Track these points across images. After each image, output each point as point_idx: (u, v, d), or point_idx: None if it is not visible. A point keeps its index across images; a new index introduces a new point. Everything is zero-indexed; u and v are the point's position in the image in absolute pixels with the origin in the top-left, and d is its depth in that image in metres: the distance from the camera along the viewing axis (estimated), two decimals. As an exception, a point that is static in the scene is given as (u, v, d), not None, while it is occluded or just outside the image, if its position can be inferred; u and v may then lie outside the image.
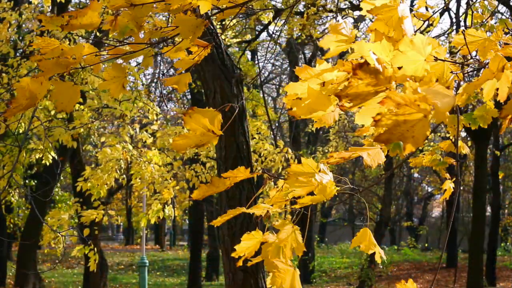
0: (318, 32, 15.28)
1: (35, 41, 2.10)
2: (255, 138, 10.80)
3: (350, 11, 11.58)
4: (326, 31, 19.24)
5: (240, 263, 2.21)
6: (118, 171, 9.72)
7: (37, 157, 10.66)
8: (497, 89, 1.92)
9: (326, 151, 17.44)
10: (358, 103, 1.78)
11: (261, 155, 10.79)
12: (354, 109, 1.83)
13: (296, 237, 2.10)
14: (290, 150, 11.02)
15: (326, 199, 2.01)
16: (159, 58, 7.38)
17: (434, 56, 1.81)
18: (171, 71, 20.74)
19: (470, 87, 2.00)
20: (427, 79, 1.81)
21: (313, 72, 1.93)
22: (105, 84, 2.19)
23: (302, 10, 12.48)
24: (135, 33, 2.18)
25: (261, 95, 17.85)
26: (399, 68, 1.79)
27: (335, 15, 17.81)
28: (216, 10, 2.25)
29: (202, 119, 2.06)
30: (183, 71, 2.35)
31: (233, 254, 2.18)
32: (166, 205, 9.60)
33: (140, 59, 9.24)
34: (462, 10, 15.68)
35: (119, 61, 2.20)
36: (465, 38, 1.92)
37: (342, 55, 11.98)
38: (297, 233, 2.11)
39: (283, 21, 12.21)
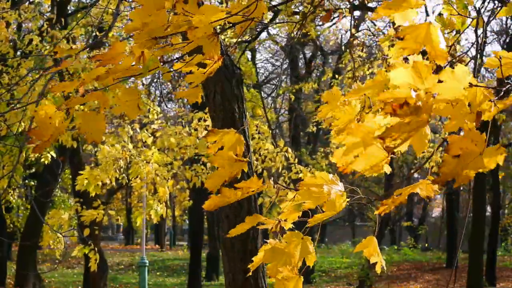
0: (318, 32, 15.29)
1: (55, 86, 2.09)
2: (254, 137, 10.79)
3: (346, 9, 11.55)
4: (326, 30, 19.27)
5: (246, 266, 2.22)
6: (117, 171, 9.72)
7: (36, 156, 10.65)
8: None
9: (328, 151, 17.39)
10: (403, 141, 1.81)
11: (261, 154, 10.78)
12: (401, 148, 1.85)
13: (307, 247, 2.12)
14: (290, 150, 11.01)
15: (337, 213, 2.02)
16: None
17: (470, 83, 1.83)
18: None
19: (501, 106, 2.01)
20: (460, 104, 1.83)
21: (365, 128, 1.95)
22: (120, 109, 2.16)
23: (300, 10, 12.47)
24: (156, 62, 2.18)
25: (262, 96, 17.83)
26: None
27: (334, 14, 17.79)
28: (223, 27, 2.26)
29: (228, 154, 2.10)
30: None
31: (249, 266, 2.21)
32: (159, 203, 9.60)
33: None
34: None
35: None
36: (500, 63, 1.92)
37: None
38: (307, 244, 2.12)
39: (282, 21, 12.22)
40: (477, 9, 3.35)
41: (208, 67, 2.15)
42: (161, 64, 2.15)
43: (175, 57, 2.32)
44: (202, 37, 2.04)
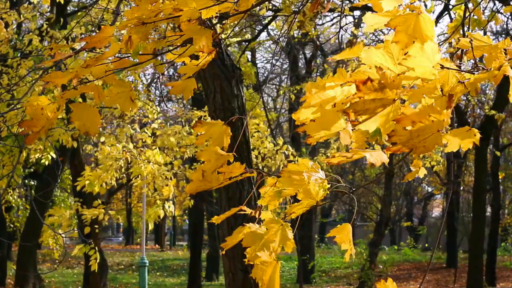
0: (318, 32, 15.26)
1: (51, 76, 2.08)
2: (254, 136, 10.78)
3: (343, 6, 11.54)
4: (325, 29, 19.27)
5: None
6: (118, 171, 9.71)
7: (36, 157, 10.65)
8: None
9: (328, 155, 17.38)
10: (368, 117, 1.79)
11: (260, 152, 10.77)
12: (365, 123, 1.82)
13: (286, 233, 2.10)
14: (290, 147, 11.00)
15: (316, 201, 2.01)
16: (159, 58, 7.36)
17: (441, 64, 1.81)
18: (171, 71, 20.70)
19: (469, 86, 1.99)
20: (432, 85, 1.81)
21: (322, 89, 1.92)
22: (112, 101, 2.15)
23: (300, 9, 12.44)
24: (145, 49, 2.17)
25: (261, 97, 17.81)
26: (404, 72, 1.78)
27: (334, 14, 17.81)
28: (220, 18, 2.25)
29: (214, 149, 2.10)
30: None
31: (222, 245, 2.21)
32: (166, 201, 9.59)
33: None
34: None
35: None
36: (472, 46, 1.90)
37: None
38: (286, 230, 2.10)
39: (280, 14, 12.19)
40: (465, 3, 3.37)
41: (201, 59, 2.14)
42: (154, 56, 2.15)
43: (168, 49, 2.31)
44: (192, 25, 2.04)
